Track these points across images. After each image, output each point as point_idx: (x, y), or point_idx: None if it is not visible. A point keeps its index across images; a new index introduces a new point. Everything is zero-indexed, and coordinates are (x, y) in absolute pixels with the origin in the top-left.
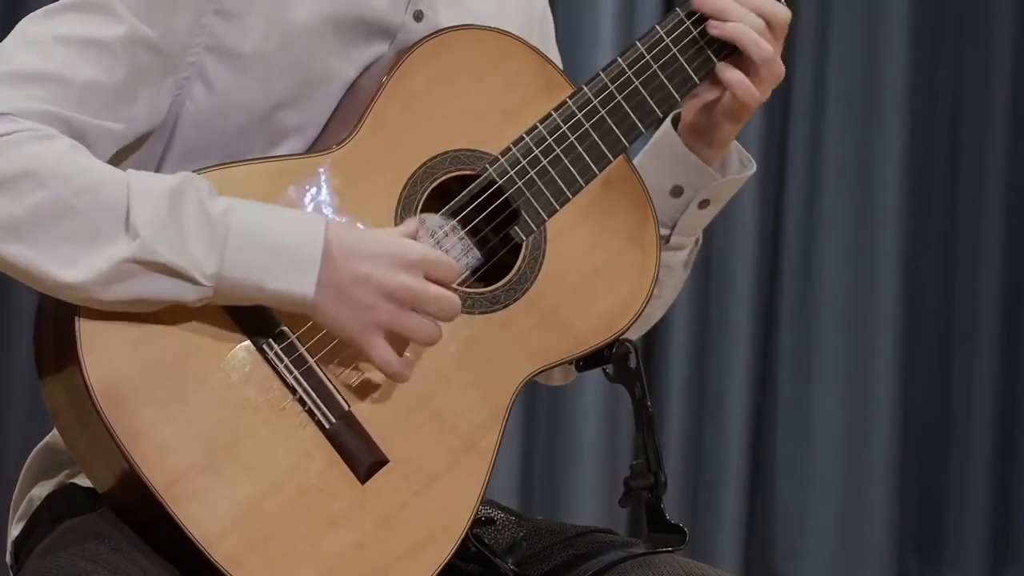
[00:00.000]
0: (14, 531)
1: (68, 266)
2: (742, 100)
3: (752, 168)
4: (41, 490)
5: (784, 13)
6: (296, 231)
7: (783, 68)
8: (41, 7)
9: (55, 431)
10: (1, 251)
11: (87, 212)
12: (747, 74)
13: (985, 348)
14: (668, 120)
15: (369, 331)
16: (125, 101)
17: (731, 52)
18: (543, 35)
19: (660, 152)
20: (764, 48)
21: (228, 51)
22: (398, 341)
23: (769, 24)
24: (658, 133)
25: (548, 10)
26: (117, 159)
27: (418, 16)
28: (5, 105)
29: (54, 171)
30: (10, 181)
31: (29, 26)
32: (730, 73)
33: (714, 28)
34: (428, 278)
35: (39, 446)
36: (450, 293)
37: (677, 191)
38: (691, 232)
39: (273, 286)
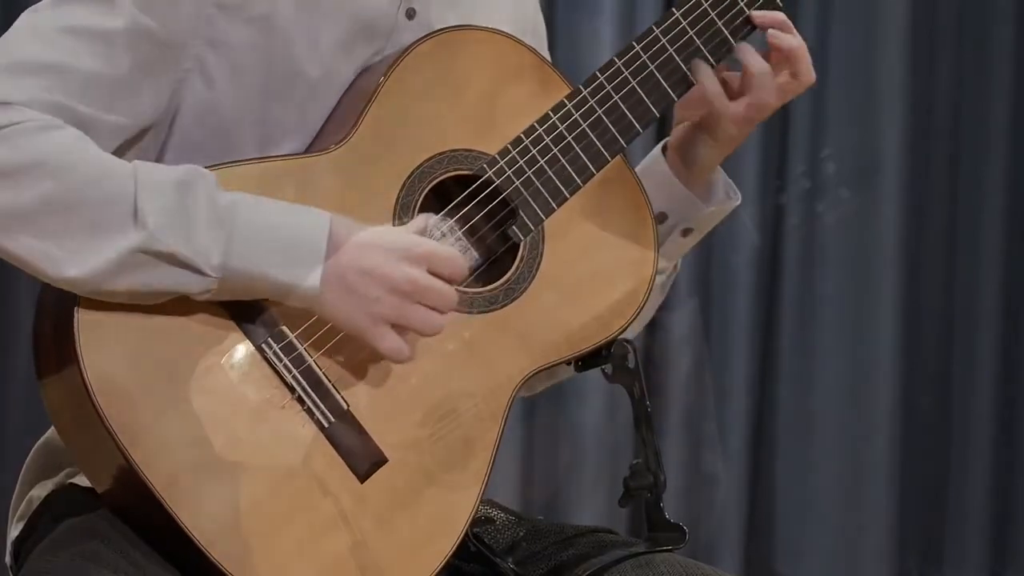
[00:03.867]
0: (14, 531)
1: (75, 257)
2: (713, 106)
3: (737, 200)
4: (41, 490)
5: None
6: (301, 224)
7: (770, 101)
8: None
9: (53, 428)
10: (8, 242)
11: (95, 203)
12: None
13: (986, 349)
14: (659, 147)
15: (376, 323)
16: (128, 93)
17: (726, 56)
18: (536, 41)
19: (647, 176)
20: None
21: (227, 46)
22: (401, 333)
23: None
24: (647, 158)
25: (540, 18)
26: (118, 153)
27: (410, 14)
28: (10, 95)
29: (61, 161)
30: (17, 171)
31: (33, 16)
32: (704, 75)
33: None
34: (433, 273)
35: (38, 444)
36: (448, 286)
37: (661, 217)
38: (671, 258)
39: (279, 278)
